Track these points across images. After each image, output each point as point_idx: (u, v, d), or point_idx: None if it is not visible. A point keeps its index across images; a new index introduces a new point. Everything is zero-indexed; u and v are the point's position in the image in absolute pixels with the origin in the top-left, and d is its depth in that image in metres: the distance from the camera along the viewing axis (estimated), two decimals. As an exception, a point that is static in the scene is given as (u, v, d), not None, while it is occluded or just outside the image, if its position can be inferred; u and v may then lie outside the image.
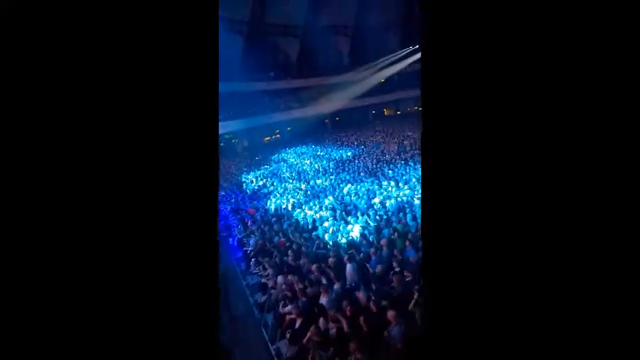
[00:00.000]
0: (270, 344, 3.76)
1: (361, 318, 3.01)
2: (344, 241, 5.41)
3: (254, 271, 5.32)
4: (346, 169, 11.72)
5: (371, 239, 5.12)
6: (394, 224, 5.39)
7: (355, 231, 5.54)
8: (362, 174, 10.31)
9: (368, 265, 4.24)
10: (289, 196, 9.15)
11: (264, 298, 4.49)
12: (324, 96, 23.81)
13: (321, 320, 3.29)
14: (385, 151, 13.48)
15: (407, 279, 3.64)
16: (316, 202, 7.89)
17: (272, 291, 4.38)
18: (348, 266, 4.14)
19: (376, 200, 7.14)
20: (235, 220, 8.17)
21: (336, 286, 3.86)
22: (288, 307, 3.75)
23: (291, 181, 11.48)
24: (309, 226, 6.52)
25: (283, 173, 13.34)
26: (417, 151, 11.48)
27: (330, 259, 4.45)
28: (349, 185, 8.96)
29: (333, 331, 3.09)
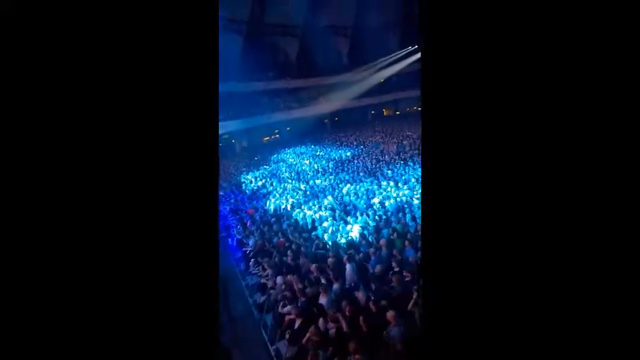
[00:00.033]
0: (269, 345, 3.75)
1: (361, 318, 3.00)
2: (343, 241, 5.41)
3: (253, 272, 5.32)
4: (345, 169, 11.71)
5: (370, 239, 5.12)
6: (393, 224, 5.39)
7: (354, 231, 5.54)
8: (361, 174, 10.31)
9: (368, 265, 4.23)
10: (288, 197, 9.14)
11: (263, 298, 4.49)
12: (323, 96, 23.81)
13: (321, 320, 3.28)
14: (384, 151, 13.48)
15: (406, 279, 3.64)
16: (315, 202, 7.88)
17: (271, 291, 4.38)
18: (348, 266, 4.14)
19: (375, 200, 7.13)
20: (234, 221, 8.16)
21: (335, 286, 3.86)
22: (288, 308, 3.75)
23: (290, 181, 11.47)
24: (309, 227, 6.52)
25: (282, 173, 13.33)
26: (416, 152, 11.48)
27: (330, 260, 4.45)
28: (348, 185, 8.96)
29: (332, 331, 3.09)
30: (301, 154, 17.65)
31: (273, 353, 3.61)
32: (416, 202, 6.40)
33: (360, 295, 3.57)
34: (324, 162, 13.96)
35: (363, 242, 5.04)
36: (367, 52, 25.13)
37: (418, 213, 5.68)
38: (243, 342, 4.04)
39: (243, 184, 12.82)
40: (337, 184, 9.60)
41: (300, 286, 3.98)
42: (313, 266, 4.39)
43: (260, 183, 12.31)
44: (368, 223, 5.79)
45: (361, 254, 4.57)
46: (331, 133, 23.03)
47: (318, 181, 10.49)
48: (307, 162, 14.83)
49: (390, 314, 2.84)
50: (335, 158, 14.39)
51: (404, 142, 14.26)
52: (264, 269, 5.05)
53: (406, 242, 4.42)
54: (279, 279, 4.42)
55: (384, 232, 5.18)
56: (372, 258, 4.32)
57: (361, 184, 8.96)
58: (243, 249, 6.21)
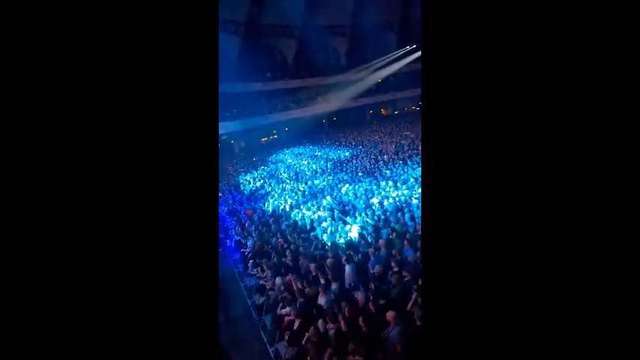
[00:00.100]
0: (268, 346, 3.74)
1: (360, 318, 3.00)
2: (342, 241, 5.40)
3: (252, 273, 5.30)
4: (344, 169, 11.71)
5: (369, 239, 5.11)
6: (392, 224, 5.39)
7: (353, 231, 5.54)
8: (360, 174, 10.31)
9: (369, 265, 4.23)
10: (287, 197, 9.13)
11: (262, 299, 4.48)
12: (321, 96, 23.81)
13: (320, 321, 3.27)
14: (383, 151, 13.48)
15: (405, 279, 3.64)
16: (314, 203, 7.87)
17: (270, 292, 4.37)
18: (347, 267, 4.13)
19: (374, 200, 7.13)
20: (233, 222, 8.14)
21: (334, 286, 3.85)
22: (287, 309, 3.73)
23: (288, 181, 11.46)
24: (307, 227, 6.50)
25: (281, 174, 13.32)
26: (415, 151, 11.49)
27: (329, 260, 4.44)
28: (347, 185, 8.96)
29: (331, 331, 3.08)
30: (299, 154, 17.65)
31: (272, 354, 3.60)
32: (415, 201, 6.40)
33: (359, 295, 3.56)
34: (322, 162, 13.95)
35: (362, 242, 5.03)
36: (365, 52, 25.17)
37: (417, 213, 5.68)
38: (242, 343, 4.03)
39: (242, 185, 12.80)
40: (336, 184, 9.60)
41: (300, 285, 3.97)
42: (312, 266, 4.38)
43: (258, 184, 12.29)
44: (367, 222, 5.79)
45: (360, 254, 4.57)
46: (329, 133, 23.04)
47: (316, 182, 10.49)
48: (306, 162, 14.82)
49: (389, 314, 2.83)
50: (333, 158, 14.39)
51: (402, 142, 14.27)
52: (262, 270, 5.03)
53: (405, 242, 4.41)
54: (278, 280, 4.40)
55: (383, 232, 5.18)
56: (372, 258, 4.32)
57: (360, 184, 8.96)
58: (242, 250, 6.19)
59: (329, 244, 5.39)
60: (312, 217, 6.91)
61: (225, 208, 9.57)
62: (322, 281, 3.98)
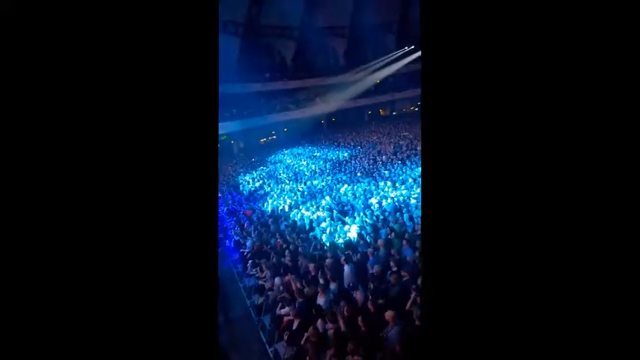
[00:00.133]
0: (267, 346, 3.74)
1: (359, 318, 3.00)
2: (341, 241, 5.40)
3: (251, 273, 5.30)
4: (343, 169, 11.72)
5: (368, 240, 5.12)
6: (391, 224, 5.40)
7: (352, 231, 5.54)
8: (359, 174, 10.31)
9: (368, 265, 4.23)
10: (286, 197, 9.13)
11: (261, 300, 4.47)
12: (320, 97, 23.82)
13: (319, 321, 3.27)
14: (381, 152, 13.49)
15: (404, 278, 3.65)
16: (313, 203, 7.87)
17: (269, 293, 4.36)
18: (346, 267, 4.14)
19: (373, 200, 7.14)
20: (232, 222, 8.13)
21: (333, 286, 3.86)
22: (286, 309, 3.73)
23: (287, 182, 11.45)
24: (307, 227, 6.51)
25: (280, 174, 13.31)
26: (413, 152, 11.51)
27: (328, 260, 4.44)
28: (346, 186, 8.96)
29: (330, 331, 3.08)
30: (298, 154, 17.64)
31: (271, 354, 3.59)
32: (413, 201, 6.41)
33: (358, 295, 3.57)
34: (321, 163, 13.95)
35: (361, 242, 5.04)
36: (364, 52, 25.20)
37: (415, 213, 5.69)
38: (241, 343, 4.03)
39: (241, 185, 12.79)
40: (335, 184, 9.60)
41: (299, 286, 3.97)
42: (311, 266, 4.38)
43: (257, 184, 12.28)
44: (366, 222, 5.80)
45: (359, 254, 4.57)
46: (328, 133, 23.04)
47: (315, 182, 10.49)
48: (305, 163, 14.82)
49: (388, 314, 2.84)
50: (332, 159, 14.39)
51: (401, 143, 14.29)
52: (261, 270, 5.03)
53: (404, 242, 4.42)
54: (277, 280, 4.40)
55: (382, 232, 5.19)
56: (370, 258, 4.32)
57: (359, 184, 8.97)
58: (241, 250, 6.19)
59: (328, 244, 5.40)
60: (311, 217, 6.91)
61: (225, 209, 9.56)
62: (321, 281, 3.99)
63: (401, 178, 8.56)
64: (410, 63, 23.88)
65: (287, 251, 5.07)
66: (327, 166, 12.98)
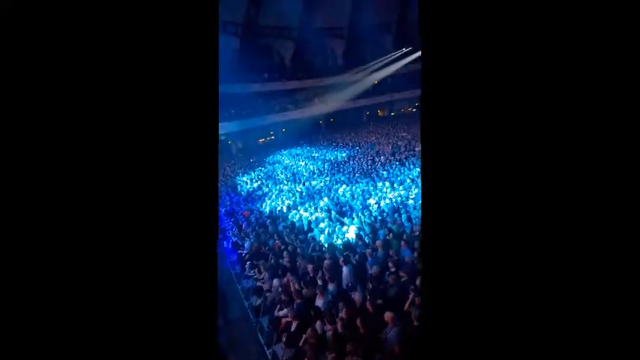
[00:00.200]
0: (266, 348, 3.73)
1: (358, 319, 2.99)
2: (339, 242, 5.40)
3: (249, 275, 5.28)
4: (341, 170, 11.73)
5: (367, 240, 5.12)
6: (389, 225, 5.40)
7: (351, 232, 5.54)
8: (357, 175, 10.33)
9: (367, 265, 4.23)
10: (284, 198, 9.12)
11: (259, 301, 4.46)
12: (318, 97, 23.85)
13: (318, 322, 3.27)
14: (380, 152, 13.52)
15: (402, 279, 3.65)
16: (311, 204, 7.87)
17: (267, 294, 4.35)
18: (344, 268, 4.14)
19: (371, 201, 7.15)
20: (230, 223, 8.12)
21: (332, 287, 3.85)
22: (284, 311, 3.72)
23: (286, 182, 11.45)
24: (305, 228, 6.50)
25: (278, 175, 13.31)
26: (412, 152, 11.55)
27: (326, 261, 4.44)
28: (344, 186, 8.97)
29: (329, 333, 3.07)
30: (297, 155, 17.65)
31: (269, 356, 3.58)
32: (411, 202, 6.42)
33: (356, 296, 3.56)
34: (319, 163, 13.96)
35: (360, 243, 5.04)
36: (362, 53, 25.27)
37: (414, 213, 5.70)
38: (239, 345, 4.01)
39: (239, 186, 12.77)
40: (333, 185, 9.61)
41: (297, 287, 3.96)
42: (310, 267, 4.38)
43: (256, 185, 12.27)
44: (364, 223, 5.80)
45: (357, 255, 4.57)
46: (327, 134, 23.08)
47: (313, 183, 10.49)
48: (303, 163, 14.82)
49: (387, 315, 2.83)
50: (330, 159, 14.40)
51: (399, 143, 14.33)
52: (260, 272, 5.02)
53: (402, 242, 4.43)
54: (275, 282, 4.39)
55: (380, 232, 5.19)
56: (369, 259, 4.32)
57: (357, 185, 8.98)
58: (239, 252, 6.17)
59: (326, 245, 5.39)
60: (309, 218, 6.91)
61: (223, 210, 9.54)
62: (320, 282, 3.98)
63: (399, 178, 8.58)
64: (408, 64, 23.97)
65: (285, 252, 5.06)
66: (326, 166, 12.99)
